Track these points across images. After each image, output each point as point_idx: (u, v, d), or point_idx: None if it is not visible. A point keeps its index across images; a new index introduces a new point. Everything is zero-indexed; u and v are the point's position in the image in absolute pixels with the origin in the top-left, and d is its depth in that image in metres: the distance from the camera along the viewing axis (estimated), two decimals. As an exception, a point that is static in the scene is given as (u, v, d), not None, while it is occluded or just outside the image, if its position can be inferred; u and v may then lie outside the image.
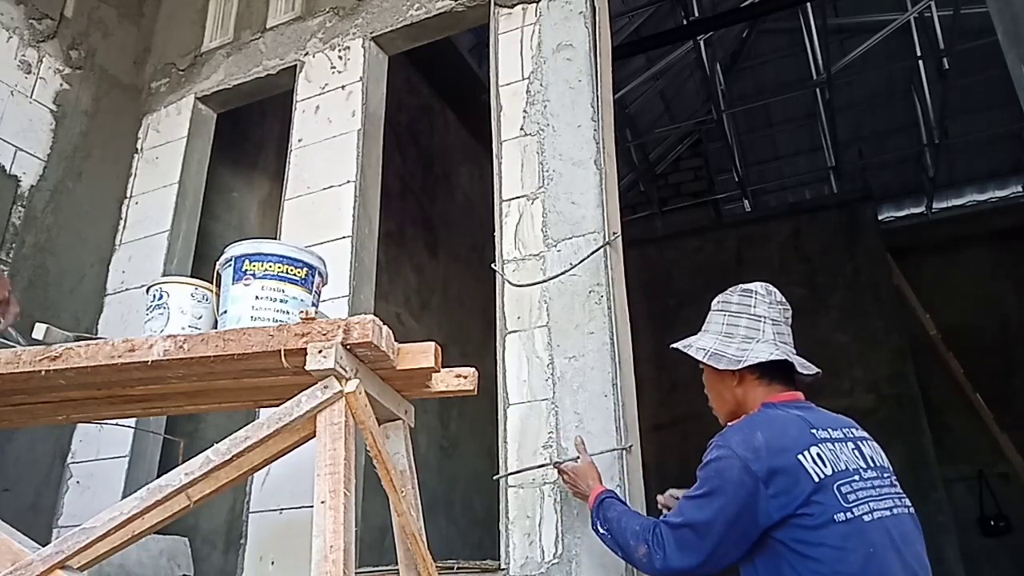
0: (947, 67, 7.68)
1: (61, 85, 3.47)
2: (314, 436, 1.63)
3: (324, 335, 1.62)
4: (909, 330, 7.19)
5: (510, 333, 2.57)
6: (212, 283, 2.03)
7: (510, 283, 2.63)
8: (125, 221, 3.62)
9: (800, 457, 1.46)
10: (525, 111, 2.86)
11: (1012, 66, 2.42)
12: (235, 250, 1.96)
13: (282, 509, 2.74)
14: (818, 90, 8.55)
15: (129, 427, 3.10)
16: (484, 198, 3.23)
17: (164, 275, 3.26)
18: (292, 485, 2.71)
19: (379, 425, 1.81)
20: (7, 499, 2.93)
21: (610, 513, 1.80)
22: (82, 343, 1.78)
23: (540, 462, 2.35)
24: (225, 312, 1.92)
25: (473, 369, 2.00)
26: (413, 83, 5.65)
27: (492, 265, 2.71)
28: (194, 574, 3.03)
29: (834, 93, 8.15)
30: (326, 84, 3.38)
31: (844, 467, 1.48)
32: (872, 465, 1.55)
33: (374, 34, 3.37)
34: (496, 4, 3.08)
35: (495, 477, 2.43)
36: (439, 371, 1.87)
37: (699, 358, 1.75)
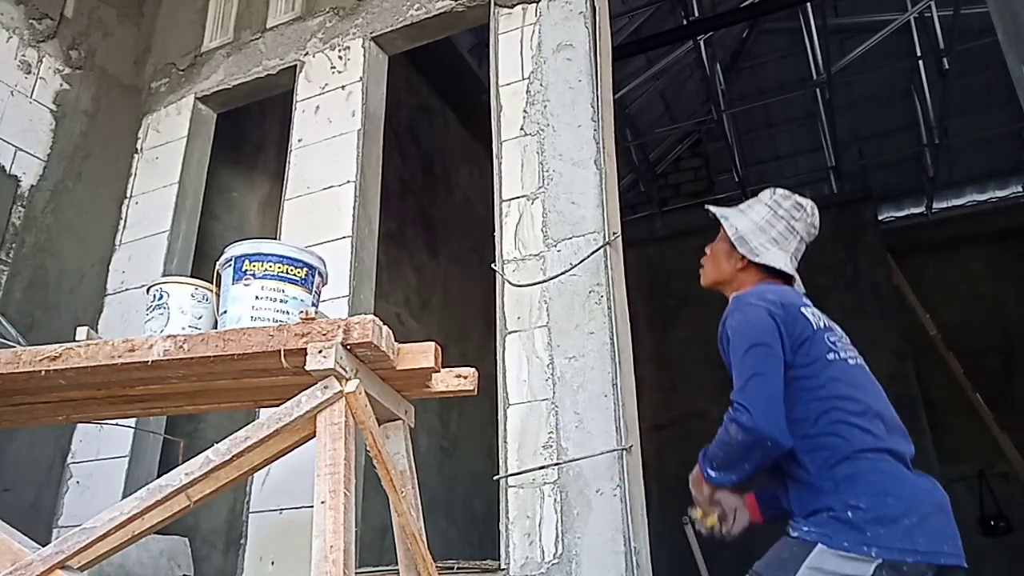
0: (947, 67, 7.68)
1: (61, 85, 3.47)
2: (314, 436, 1.63)
3: (324, 335, 1.62)
4: (909, 330, 7.19)
5: (510, 333, 2.57)
6: (212, 283, 2.03)
7: (510, 283, 2.63)
8: (125, 221, 3.62)
9: (801, 309, 1.77)
10: (525, 111, 2.86)
11: (1012, 66, 2.42)
12: (235, 250, 1.97)
13: (282, 509, 2.74)
14: (818, 90, 8.55)
15: (129, 427, 3.10)
16: (484, 198, 3.23)
17: (164, 275, 3.26)
18: (292, 485, 2.71)
19: (379, 425, 1.81)
20: (7, 499, 2.93)
21: (708, 453, 1.84)
22: (82, 343, 1.78)
23: (540, 462, 2.35)
24: (225, 312, 1.92)
25: (473, 369, 2.00)
26: (413, 83, 5.65)
27: (492, 265, 2.71)
28: (194, 574, 3.03)
29: (834, 93, 8.15)
30: (326, 84, 3.38)
31: (826, 325, 1.81)
32: (838, 330, 1.85)
33: (374, 34, 3.37)
34: (496, 4, 3.08)
35: (495, 477, 2.42)
36: (439, 371, 1.87)
37: (729, 233, 1.93)
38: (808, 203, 1.96)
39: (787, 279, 1.91)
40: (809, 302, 1.85)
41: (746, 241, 1.91)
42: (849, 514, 1.59)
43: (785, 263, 1.89)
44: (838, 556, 1.57)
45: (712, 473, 1.79)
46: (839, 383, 1.72)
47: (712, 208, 1.99)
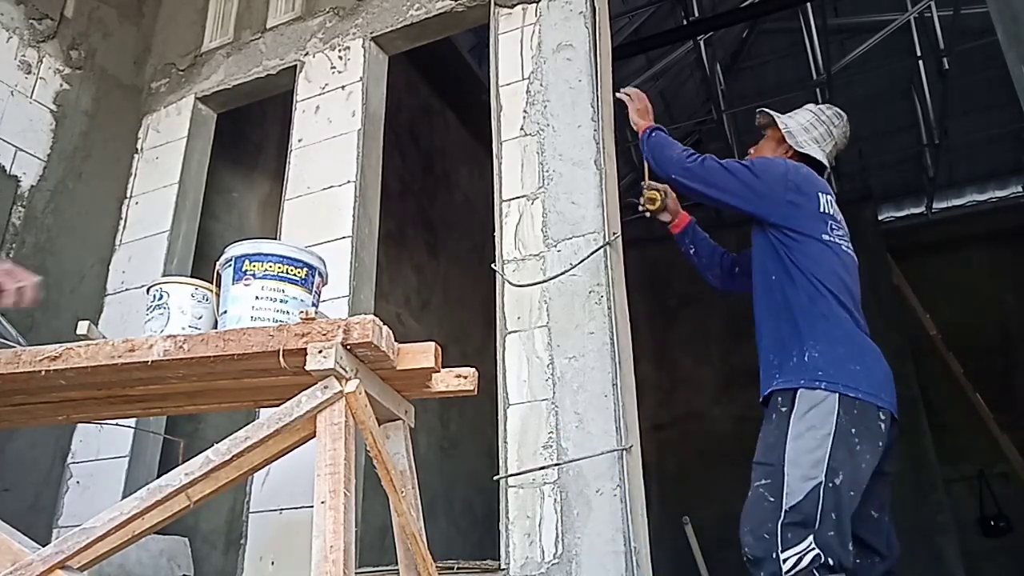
0: (947, 67, 7.67)
1: (61, 85, 3.47)
2: (314, 436, 1.63)
3: (324, 335, 1.62)
4: (909, 330, 7.18)
5: (510, 333, 2.57)
6: (212, 283, 2.03)
7: (510, 283, 2.63)
8: (125, 221, 3.62)
9: (819, 194, 2.20)
10: (525, 111, 2.86)
11: (1012, 66, 2.42)
12: (235, 250, 1.97)
13: (282, 509, 2.74)
14: (818, 90, 8.54)
15: (129, 427, 3.10)
16: (484, 198, 3.23)
17: (164, 275, 3.26)
18: (292, 485, 2.71)
19: (379, 425, 1.81)
20: (7, 499, 2.93)
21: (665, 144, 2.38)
22: (82, 343, 1.78)
23: (540, 462, 2.35)
24: (225, 312, 1.92)
25: (473, 369, 2.00)
26: (413, 83, 5.65)
27: (492, 265, 2.71)
28: (194, 574, 3.03)
29: (834, 93, 8.14)
30: (326, 84, 3.38)
31: (834, 215, 2.21)
32: (841, 221, 2.25)
33: (374, 34, 3.37)
34: (496, 4, 3.08)
35: (495, 477, 2.43)
36: (439, 371, 1.87)
37: (781, 127, 2.35)
38: (844, 116, 2.40)
39: (820, 170, 2.32)
40: (832, 192, 2.26)
41: (793, 135, 2.33)
42: (805, 358, 1.98)
43: (821, 157, 2.32)
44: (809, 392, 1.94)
45: (647, 148, 2.38)
46: (832, 261, 2.11)
47: (768, 111, 2.41)
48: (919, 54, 8.10)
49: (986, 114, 8.82)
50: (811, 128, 2.35)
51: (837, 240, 2.17)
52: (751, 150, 2.50)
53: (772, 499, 1.87)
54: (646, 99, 2.61)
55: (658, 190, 2.54)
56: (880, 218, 8.33)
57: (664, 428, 6.96)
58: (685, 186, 2.29)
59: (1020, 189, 9.76)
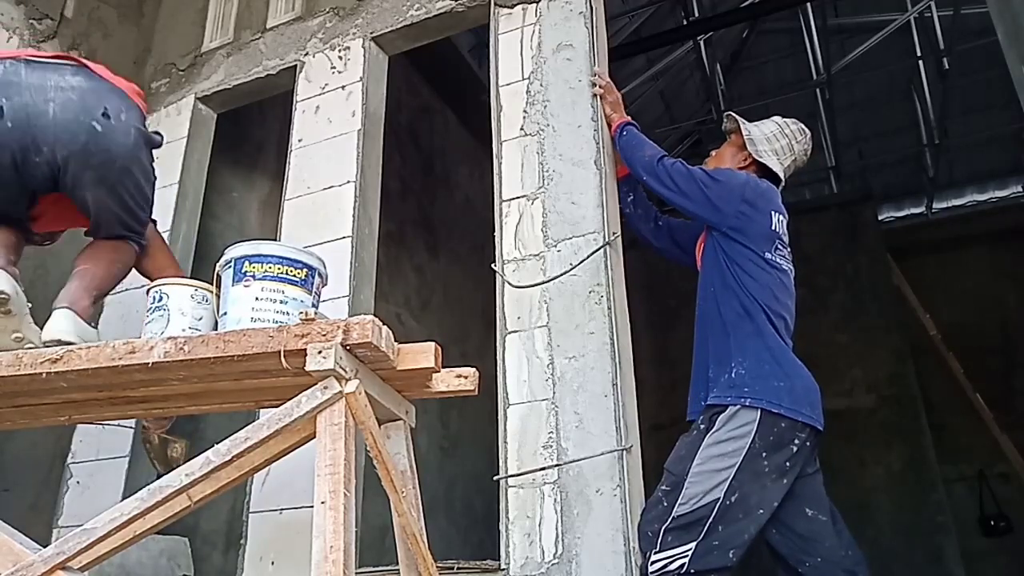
0: (947, 67, 7.68)
1: (61, 85, 3.47)
2: (314, 437, 1.64)
3: (324, 336, 1.62)
4: (909, 330, 7.18)
5: (510, 333, 2.57)
6: (212, 284, 2.03)
7: (510, 283, 2.63)
8: (125, 221, 3.61)
9: (772, 212, 2.24)
10: (525, 111, 2.86)
11: (1012, 66, 2.42)
12: (235, 251, 1.97)
13: (282, 509, 2.74)
14: (818, 90, 8.55)
15: (129, 427, 3.10)
16: (484, 198, 3.23)
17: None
18: (292, 485, 2.71)
19: (380, 425, 1.81)
20: (7, 499, 2.93)
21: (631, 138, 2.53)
22: (83, 345, 1.78)
23: (540, 462, 2.35)
24: (225, 314, 1.92)
25: (473, 369, 2.00)
26: (413, 83, 5.65)
27: (492, 265, 2.71)
28: (194, 574, 3.03)
29: (834, 93, 8.16)
30: (326, 84, 3.38)
31: (782, 235, 2.27)
32: (787, 242, 2.30)
33: (374, 34, 3.37)
34: (496, 4, 3.08)
35: (495, 478, 2.43)
36: (439, 371, 1.87)
37: (744, 133, 2.40)
38: (808, 132, 2.46)
39: (776, 183, 2.37)
40: (784, 211, 2.32)
41: (754, 143, 2.37)
42: (733, 374, 2.05)
43: (779, 170, 2.37)
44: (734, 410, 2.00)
45: (620, 146, 2.54)
46: (770, 281, 2.16)
47: (734, 114, 2.47)
48: (919, 54, 8.11)
49: (986, 114, 8.83)
50: (773, 139, 2.40)
51: (779, 260, 2.23)
52: (712, 153, 2.55)
53: (666, 504, 1.99)
54: (616, 91, 2.70)
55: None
56: (880, 218, 8.33)
57: (664, 428, 6.95)
58: (650, 187, 2.40)
59: (1020, 189, 9.77)
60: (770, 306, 2.13)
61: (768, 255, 2.20)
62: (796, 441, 1.99)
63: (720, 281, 2.20)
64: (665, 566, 1.87)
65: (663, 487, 2.04)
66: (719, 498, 1.90)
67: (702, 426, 2.07)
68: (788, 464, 1.97)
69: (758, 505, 1.92)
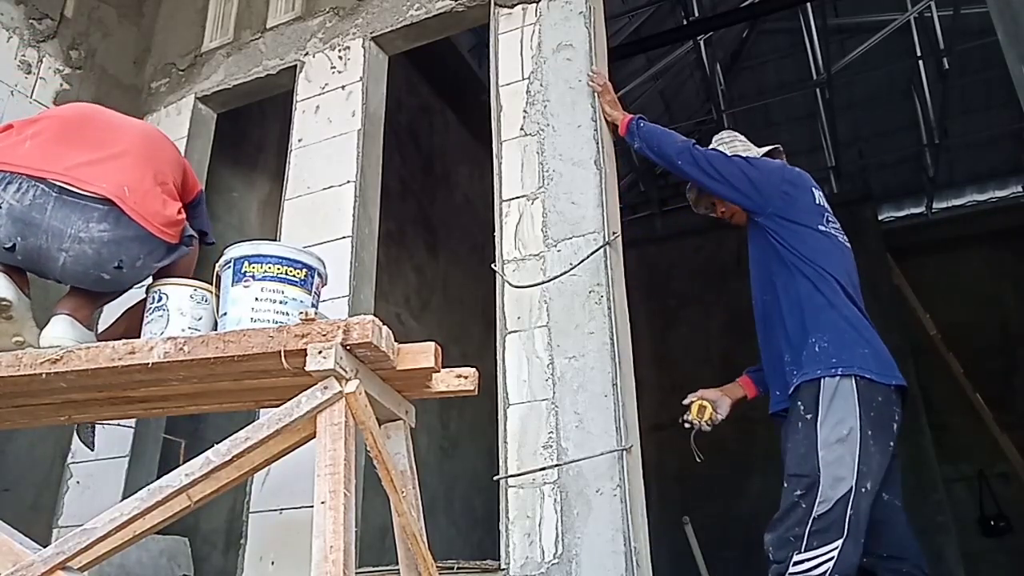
0: (947, 67, 7.68)
1: (61, 85, 3.47)
2: (314, 436, 1.63)
3: (324, 336, 1.62)
4: (909, 330, 7.18)
5: (510, 333, 2.57)
6: (212, 284, 2.03)
7: (510, 283, 2.63)
8: (125, 221, 3.60)
9: (812, 188, 2.30)
10: (525, 111, 2.86)
11: (1012, 66, 2.42)
12: (234, 252, 1.97)
13: (282, 509, 2.74)
14: (818, 90, 8.54)
15: (129, 427, 3.10)
16: (484, 198, 3.23)
17: (164, 275, 3.25)
18: (292, 485, 2.71)
19: (380, 425, 1.81)
20: (7, 499, 2.93)
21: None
22: (83, 346, 1.78)
23: (540, 462, 2.35)
24: (225, 314, 1.92)
25: (473, 369, 2.00)
26: (413, 83, 5.64)
27: (492, 265, 2.71)
28: (194, 574, 3.03)
29: (834, 93, 8.15)
30: (326, 84, 3.38)
31: (827, 208, 2.29)
32: (833, 215, 2.31)
33: (374, 34, 3.37)
34: (496, 4, 3.08)
35: (495, 478, 2.43)
36: (439, 371, 1.87)
37: (722, 150, 2.43)
38: (740, 137, 2.57)
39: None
40: (820, 188, 2.35)
41: (735, 151, 2.42)
42: (816, 349, 2.02)
43: (758, 153, 2.43)
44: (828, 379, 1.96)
45: (640, 138, 2.51)
46: (831, 249, 2.17)
47: (713, 148, 2.48)
48: (919, 54, 8.10)
49: (986, 114, 8.83)
50: (730, 143, 2.49)
51: (834, 232, 2.24)
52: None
53: (804, 506, 1.90)
54: (613, 91, 2.72)
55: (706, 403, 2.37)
56: (880, 218, 8.33)
57: (664, 428, 6.96)
58: (685, 172, 2.37)
59: (1020, 189, 9.76)
60: (836, 275, 2.12)
61: (821, 227, 2.21)
62: (896, 407, 2.00)
63: (778, 265, 2.18)
64: (810, 569, 1.82)
65: (797, 491, 1.92)
66: (852, 487, 1.87)
67: (803, 412, 1.98)
68: (893, 428, 1.97)
69: (874, 484, 1.91)
